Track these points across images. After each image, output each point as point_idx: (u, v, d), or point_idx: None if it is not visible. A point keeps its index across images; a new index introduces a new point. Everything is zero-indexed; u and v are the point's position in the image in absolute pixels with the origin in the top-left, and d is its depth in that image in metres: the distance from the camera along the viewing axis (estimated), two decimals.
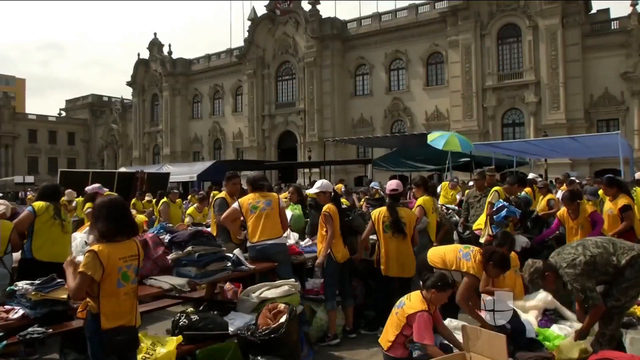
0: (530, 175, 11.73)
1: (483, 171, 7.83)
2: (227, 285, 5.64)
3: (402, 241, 5.50)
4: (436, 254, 5.03)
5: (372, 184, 12.37)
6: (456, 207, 9.12)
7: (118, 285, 3.18)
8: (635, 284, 4.08)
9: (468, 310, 4.55)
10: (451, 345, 4.20)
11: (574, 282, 3.99)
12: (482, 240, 6.57)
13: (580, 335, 4.24)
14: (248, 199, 5.57)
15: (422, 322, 3.87)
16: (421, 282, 4.26)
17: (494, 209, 6.55)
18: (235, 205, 5.56)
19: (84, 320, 3.25)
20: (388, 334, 4.10)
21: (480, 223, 6.87)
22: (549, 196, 8.99)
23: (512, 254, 5.44)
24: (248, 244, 5.46)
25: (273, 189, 8.94)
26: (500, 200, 6.67)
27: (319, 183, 5.81)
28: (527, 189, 10.40)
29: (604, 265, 4.06)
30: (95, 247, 3.12)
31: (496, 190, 6.88)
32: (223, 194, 6.35)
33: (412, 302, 4.04)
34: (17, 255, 5.42)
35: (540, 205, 9.02)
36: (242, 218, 5.61)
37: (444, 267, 4.83)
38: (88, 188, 8.25)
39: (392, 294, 5.33)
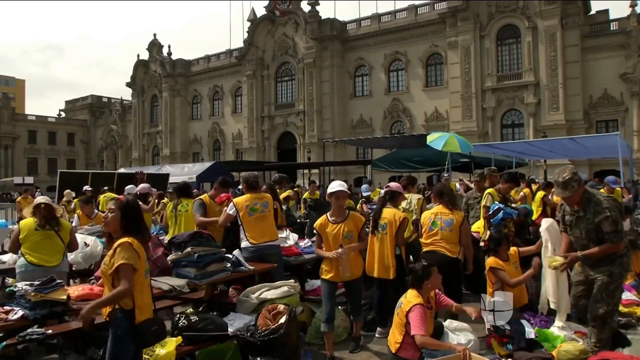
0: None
1: (483, 172, 7.73)
2: (232, 291, 5.63)
3: (379, 241, 5.34)
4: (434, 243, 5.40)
5: (362, 188, 12.00)
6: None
7: (145, 275, 3.26)
8: (619, 285, 4.22)
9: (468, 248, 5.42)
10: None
11: (612, 210, 4.08)
12: (482, 244, 6.48)
13: (574, 258, 4.25)
14: (245, 200, 5.60)
15: (416, 314, 3.91)
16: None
17: (489, 212, 6.48)
18: (230, 210, 5.60)
19: (112, 319, 3.14)
20: (395, 336, 4.10)
21: (479, 226, 6.80)
22: (540, 193, 8.91)
23: (512, 249, 5.44)
24: (243, 245, 5.47)
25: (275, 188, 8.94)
26: (496, 202, 6.58)
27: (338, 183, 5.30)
28: (526, 190, 10.32)
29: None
30: (127, 239, 3.14)
31: (489, 193, 6.73)
32: (204, 196, 6.48)
33: (407, 299, 4.09)
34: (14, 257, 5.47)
35: (536, 202, 8.91)
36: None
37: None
38: (139, 188, 8.81)
39: (390, 294, 5.32)
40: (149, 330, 3.16)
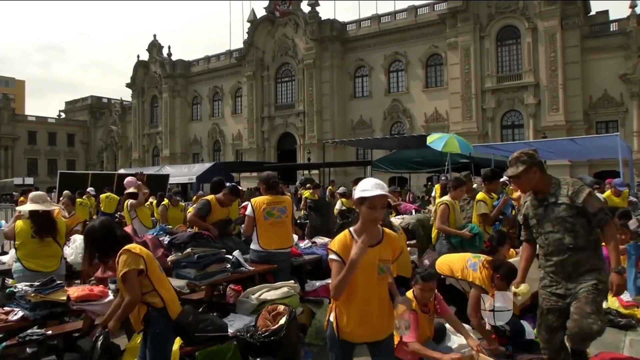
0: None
1: (469, 174, 7.70)
2: (229, 291, 5.63)
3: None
4: (444, 262, 5.10)
5: None
6: None
7: (161, 270, 3.29)
8: (603, 298, 3.57)
9: (477, 322, 4.48)
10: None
11: (586, 190, 3.37)
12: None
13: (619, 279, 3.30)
14: (263, 202, 5.37)
15: None
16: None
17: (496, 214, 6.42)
18: (249, 212, 5.36)
19: (148, 321, 3.14)
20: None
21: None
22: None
23: (512, 251, 5.45)
24: (253, 247, 5.38)
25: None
26: (497, 200, 6.54)
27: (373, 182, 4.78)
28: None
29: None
30: (125, 247, 3.14)
31: (482, 200, 6.35)
32: (211, 197, 6.18)
33: None
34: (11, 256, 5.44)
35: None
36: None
37: (451, 275, 4.88)
38: (126, 183, 8.56)
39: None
40: (188, 322, 3.20)
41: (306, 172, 37.02)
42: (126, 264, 3.04)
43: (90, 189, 14.11)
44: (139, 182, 8.14)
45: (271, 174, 5.85)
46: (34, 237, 4.78)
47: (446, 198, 6.21)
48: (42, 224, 4.81)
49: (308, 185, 16.99)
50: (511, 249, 5.51)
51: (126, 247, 3.14)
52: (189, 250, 4.57)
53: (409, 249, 6.39)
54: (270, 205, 5.33)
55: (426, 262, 6.30)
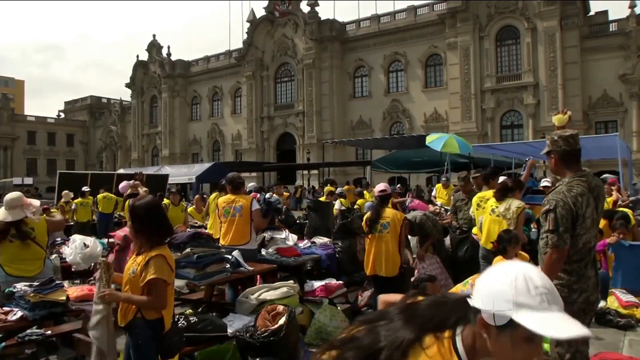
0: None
1: (467, 176, 7.62)
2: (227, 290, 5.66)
3: (382, 240, 5.34)
4: None
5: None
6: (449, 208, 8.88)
7: (173, 286, 3.25)
8: None
9: None
10: None
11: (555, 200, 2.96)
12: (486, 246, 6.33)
13: None
14: (223, 201, 5.80)
15: None
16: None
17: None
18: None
19: (133, 328, 3.05)
20: None
21: (477, 229, 6.64)
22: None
23: (524, 255, 5.40)
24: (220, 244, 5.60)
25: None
26: None
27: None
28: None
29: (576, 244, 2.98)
30: (162, 252, 3.04)
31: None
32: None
33: None
34: None
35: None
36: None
37: None
38: (121, 188, 8.51)
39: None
40: (173, 341, 3.15)
41: (305, 172, 37.05)
42: (161, 271, 2.96)
43: (85, 188, 13.99)
44: (137, 182, 8.12)
45: (236, 174, 6.05)
46: (13, 241, 4.58)
47: (522, 203, 5.90)
48: (11, 232, 4.57)
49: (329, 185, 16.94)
50: (523, 254, 5.40)
51: (164, 253, 3.05)
52: (188, 250, 4.56)
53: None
54: (229, 204, 5.70)
55: (423, 266, 6.30)
